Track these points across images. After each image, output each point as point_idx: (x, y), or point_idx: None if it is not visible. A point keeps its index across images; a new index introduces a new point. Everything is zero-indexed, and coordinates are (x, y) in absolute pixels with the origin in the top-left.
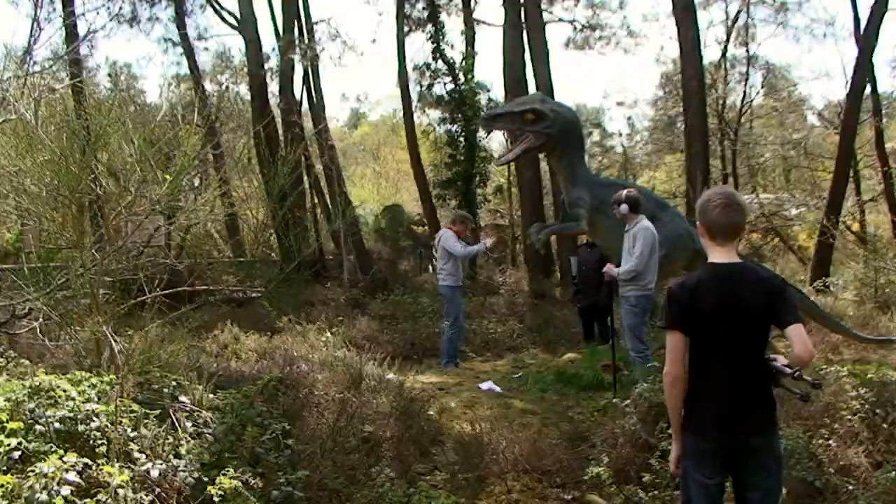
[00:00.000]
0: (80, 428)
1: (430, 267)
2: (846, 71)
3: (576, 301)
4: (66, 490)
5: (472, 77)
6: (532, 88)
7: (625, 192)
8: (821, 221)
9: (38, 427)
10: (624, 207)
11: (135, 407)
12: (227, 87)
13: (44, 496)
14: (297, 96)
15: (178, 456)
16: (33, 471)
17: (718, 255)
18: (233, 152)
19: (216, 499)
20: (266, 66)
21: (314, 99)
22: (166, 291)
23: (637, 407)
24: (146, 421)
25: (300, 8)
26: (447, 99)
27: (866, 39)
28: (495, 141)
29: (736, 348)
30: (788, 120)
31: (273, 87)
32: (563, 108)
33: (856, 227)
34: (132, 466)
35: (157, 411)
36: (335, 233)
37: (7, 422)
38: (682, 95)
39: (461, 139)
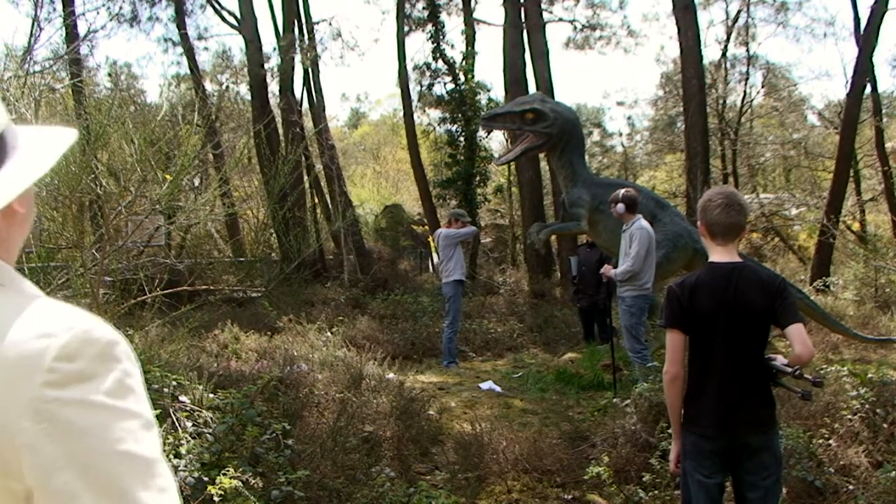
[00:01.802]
0: None
1: (430, 266)
2: (846, 71)
3: (575, 301)
4: None
5: (472, 77)
6: (532, 88)
7: (622, 191)
8: (821, 221)
9: None
10: (620, 207)
11: None
12: (227, 87)
13: None
14: (298, 96)
15: (178, 455)
16: None
17: (719, 254)
18: (233, 152)
19: (216, 498)
20: (266, 66)
21: (314, 99)
22: (166, 291)
23: (637, 406)
24: None
25: (300, 7)
26: (447, 99)
27: (866, 39)
28: (495, 141)
29: (735, 348)
30: (788, 120)
31: (273, 86)
32: (563, 107)
33: (856, 226)
34: None
35: (158, 411)
36: (335, 233)
37: None
38: (682, 95)
39: (461, 139)
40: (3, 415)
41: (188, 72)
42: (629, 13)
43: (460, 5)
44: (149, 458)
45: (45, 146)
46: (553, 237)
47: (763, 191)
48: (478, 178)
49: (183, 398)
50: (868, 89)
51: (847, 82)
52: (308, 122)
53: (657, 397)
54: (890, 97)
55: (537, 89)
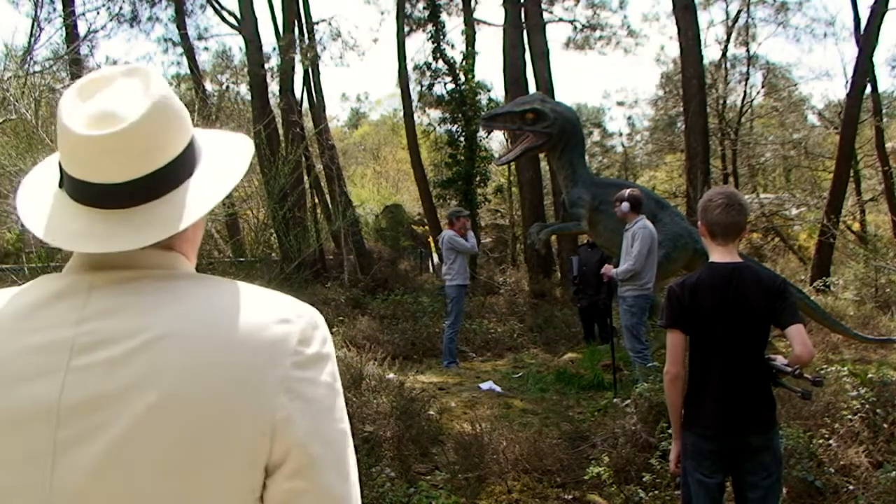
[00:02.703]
0: None
1: (430, 266)
2: (846, 71)
3: (576, 301)
4: None
5: (473, 77)
6: (532, 88)
7: (627, 190)
8: (821, 221)
9: None
10: (625, 206)
11: None
12: (228, 87)
13: None
14: (298, 96)
15: None
16: None
17: (719, 254)
18: None
19: None
20: (266, 66)
21: (314, 99)
22: None
23: (637, 407)
24: None
25: (300, 7)
26: (447, 99)
27: (866, 39)
28: (495, 141)
29: (736, 348)
30: (788, 120)
31: (273, 86)
32: (563, 107)
33: (856, 226)
34: None
35: None
36: (335, 233)
37: None
38: (682, 95)
39: (461, 139)
40: (261, 392)
41: (188, 72)
42: (629, 13)
43: (460, 5)
44: (349, 433)
45: (229, 150)
46: (553, 237)
47: (763, 191)
48: (478, 178)
49: None
50: (868, 89)
51: (847, 82)
52: (308, 123)
53: (657, 397)
54: (890, 97)
55: (537, 89)
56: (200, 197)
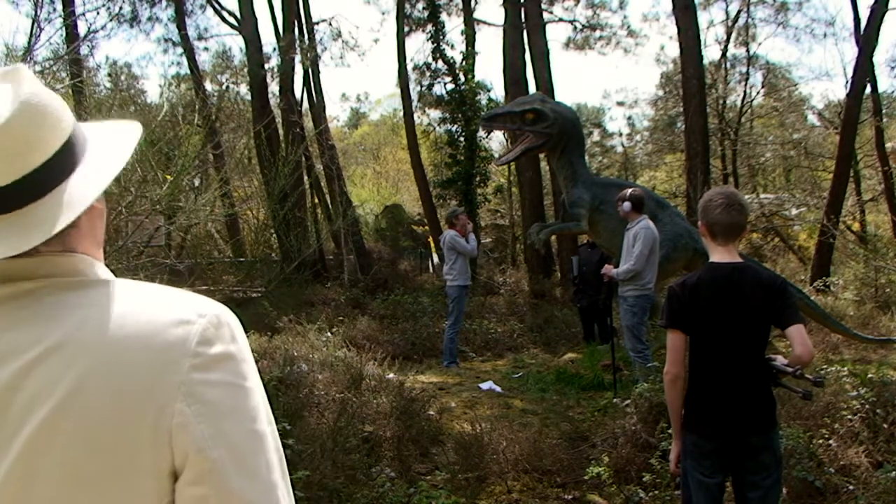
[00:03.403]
0: None
1: (430, 267)
2: (846, 71)
3: (576, 301)
4: None
5: (472, 77)
6: (532, 88)
7: (629, 190)
8: (821, 221)
9: None
10: (626, 205)
11: None
12: (228, 87)
13: None
14: (298, 96)
15: None
16: None
17: (719, 254)
18: (233, 152)
19: None
20: (266, 66)
21: (314, 99)
22: None
23: (637, 407)
24: None
25: (300, 8)
26: (447, 99)
27: (866, 39)
28: (495, 141)
29: (736, 348)
30: (788, 120)
31: (273, 87)
32: (563, 108)
33: (856, 226)
34: None
35: None
36: (335, 233)
37: None
38: (682, 95)
39: (461, 139)
40: (158, 397)
41: (188, 72)
42: (629, 13)
43: (460, 5)
44: (266, 432)
45: (114, 141)
46: (553, 237)
47: (763, 191)
48: (478, 178)
49: None
50: (868, 89)
51: (847, 82)
52: (308, 123)
53: (657, 397)
54: (890, 97)
55: (537, 89)
56: (82, 191)
